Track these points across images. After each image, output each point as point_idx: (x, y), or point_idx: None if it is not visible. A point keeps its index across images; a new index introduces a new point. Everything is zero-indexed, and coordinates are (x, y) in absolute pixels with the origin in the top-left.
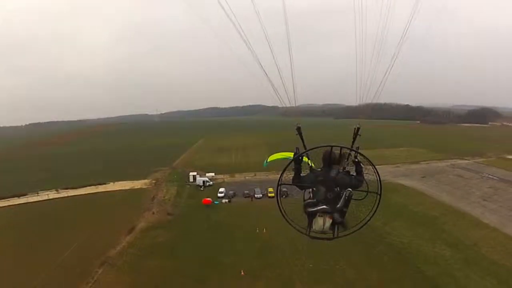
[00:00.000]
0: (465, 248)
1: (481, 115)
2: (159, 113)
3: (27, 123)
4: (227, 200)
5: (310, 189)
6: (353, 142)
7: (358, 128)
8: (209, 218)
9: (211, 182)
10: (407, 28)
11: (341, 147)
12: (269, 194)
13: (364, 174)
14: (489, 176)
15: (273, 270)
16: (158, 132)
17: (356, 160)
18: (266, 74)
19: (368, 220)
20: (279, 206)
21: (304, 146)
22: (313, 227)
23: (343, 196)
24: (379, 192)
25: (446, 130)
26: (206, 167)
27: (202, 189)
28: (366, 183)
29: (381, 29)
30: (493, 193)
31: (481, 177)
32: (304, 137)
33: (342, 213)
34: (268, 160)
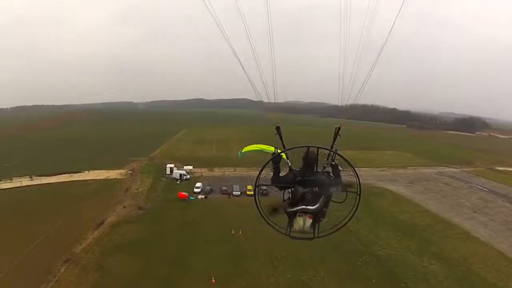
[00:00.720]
0: (456, 263)
1: (469, 124)
2: (144, 101)
3: (13, 106)
4: (203, 196)
5: (289, 189)
6: (333, 143)
7: (339, 128)
8: (183, 215)
9: (188, 176)
10: (390, 32)
11: (318, 148)
12: (248, 192)
13: (346, 175)
14: (479, 186)
15: (247, 279)
16: (141, 120)
17: (333, 163)
18: (243, 67)
19: (348, 221)
20: (257, 206)
21: (283, 145)
22: (293, 227)
23: (322, 197)
24: (358, 192)
25: (433, 136)
26: (185, 159)
27: (178, 182)
28: (344, 185)
29: (366, 32)
30: (483, 205)
31: (470, 187)
32: (283, 135)
33: (322, 213)
34: (242, 151)
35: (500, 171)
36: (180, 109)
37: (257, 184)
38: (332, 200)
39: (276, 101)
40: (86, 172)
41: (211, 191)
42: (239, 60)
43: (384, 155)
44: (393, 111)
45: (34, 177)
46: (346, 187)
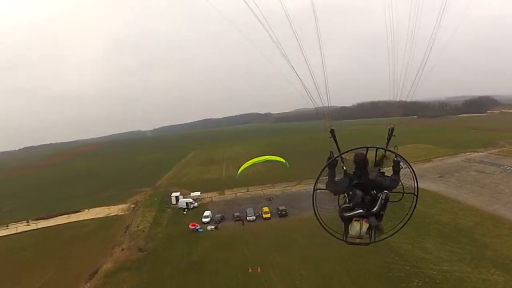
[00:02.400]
0: None
1: (479, 104)
2: (152, 128)
3: (21, 147)
4: (213, 227)
5: (345, 194)
6: (387, 143)
7: (393, 129)
8: (189, 253)
9: (196, 204)
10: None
11: (377, 148)
12: (264, 215)
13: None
14: None
15: None
16: (148, 148)
17: (395, 159)
18: (297, 75)
19: (406, 222)
20: (315, 213)
21: (339, 149)
22: (350, 233)
23: (380, 199)
24: (416, 193)
25: (446, 122)
26: (193, 184)
27: (185, 212)
28: (402, 184)
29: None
30: None
31: (504, 170)
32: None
33: (379, 216)
34: (239, 172)
35: None
36: (188, 131)
37: (315, 188)
38: (390, 201)
39: (329, 105)
40: (86, 211)
41: (222, 218)
42: (293, 68)
43: (404, 149)
44: (401, 103)
45: (31, 222)
46: (403, 187)
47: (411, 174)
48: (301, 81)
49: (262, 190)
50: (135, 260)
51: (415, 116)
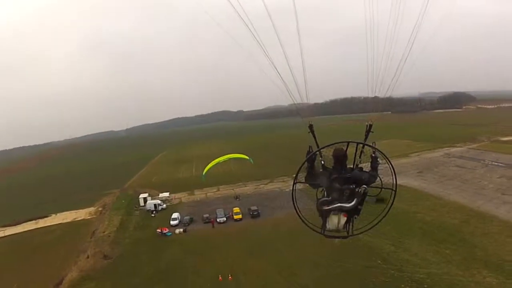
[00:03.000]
0: None
1: (454, 100)
2: (125, 128)
3: None
4: (181, 230)
5: (324, 188)
6: (365, 139)
7: (371, 125)
8: (156, 260)
9: (164, 205)
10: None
11: (357, 143)
12: (235, 216)
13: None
14: (494, 163)
15: None
16: (120, 148)
17: (373, 155)
18: (278, 71)
19: (383, 217)
20: (295, 207)
21: (317, 144)
22: (328, 226)
23: (358, 193)
24: (394, 188)
25: (422, 118)
26: (163, 185)
27: (153, 215)
28: (380, 179)
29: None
30: (508, 184)
31: (485, 165)
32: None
33: (357, 210)
34: (204, 173)
35: (506, 141)
36: (160, 130)
37: (295, 181)
38: (368, 195)
39: (308, 101)
40: (54, 215)
41: (191, 221)
42: (273, 65)
43: (380, 145)
44: (375, 100)
45: None
46: (382, 183)
47: (390, 170)
48: (280, 76)
49: (233, 189)
50: (100, 269)
51: (389, 112)
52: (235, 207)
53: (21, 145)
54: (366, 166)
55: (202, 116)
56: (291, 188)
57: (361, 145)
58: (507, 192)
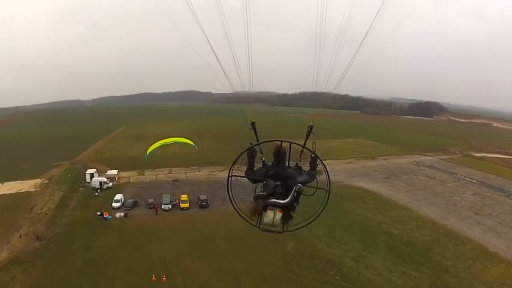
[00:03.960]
0: None
1: (426, 108)
2: (92, 98)
3: None
4: (122, 214)
5: (261, 183)
6: (306, 139)
7: (312, 127)
8: (89, 247)
9: (110, 184)
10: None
11: (291, 143)
12: (182, 205)
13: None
14: (466, 178)
15: None
16: (81, 118)
17: (313, 155)
18: (217, 56)
19: (317, 217)
20: (230, 199)
21: (258, 140)
22: (263, 220)
23: (293, 191)
24: (328, 189)
25: (391, 121)
26: (115, 161)
27: (97, 193)
28: (317, 179)
29: (321, 20)
30: (482, 203)
31: (457, 179)
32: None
33: (292, 207)
34: (147, 154)
35: (479, 158)
36: (127, 104)
37: (230, 174)
38: (302, 194)
39: (252, 90)
40: (0, 184)
41: (135, 204)
42: (212, 48)
43: (345, 144)
44: (345, 98)
45: None
46: (317, 182)
47: (324, 169)
48: (220, 64)
49: (185, 173)
50: (30, 251)
51: (358, 111)
52: (183, 193)
53: None
54: (306, 166)
55: (170, 93)
56: (226, 184)
57: (299, 145)
58: (480, 212)
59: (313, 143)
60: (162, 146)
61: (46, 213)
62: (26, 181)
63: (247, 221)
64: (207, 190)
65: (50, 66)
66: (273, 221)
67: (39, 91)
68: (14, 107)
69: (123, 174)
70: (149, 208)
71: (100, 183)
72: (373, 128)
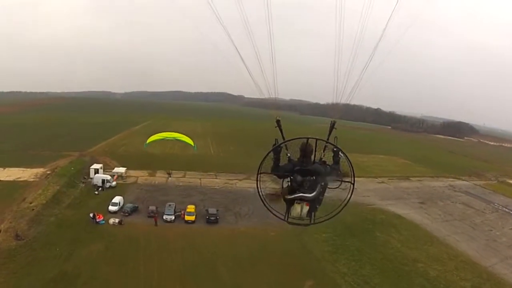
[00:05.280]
0: None
1: (457, 129)
2: (123, 91)
3: None
4: (117, 221)
5: (288, 178)
6: (329, 135)
7: (334, 122)
8: (69, 257)
9: (113, 183)
10: (383, 33)
11: (317, 139)
12: (187, 217)
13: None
14: (505, 209)
15: None
16: (109, 110)
17: (335, 149)
18: (244, 62)
19: (342, 208)
20: (259, 195)
21: (283, 137)
22: (291, 214)
23: (319, 185)
24: (352, 182)
25: (423, 139)
26: (127, 157)
27: (97, 192)
28: (341, 172)
29: (360, 32)
30: None
31: (496, 209)
32: (283, 130)
33: (318, 200)
34: (147, 142)
35: None
36: (157, 99)
37: (259, 172)
38: (328, 187)
39: (277, 97)
40: (1, 169)
41: (134, 210)
42: (240, 55)
43: (377, 160)
44: (377, 112)
45: None
46: (342, 175)
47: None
48: (248, 70)
49: (200, 179)
50: (5, 251)
51: (389, 127)
52: (190, 204)
53: (18, 90)
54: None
55: (202, 93)
56: (256, 181)
57: (323, 140)
58: None
59: (335, 137)
60: (163, 139)
61: (33, 209)
62: (28, 169)
63: (276, 216)
64: (220, 202)
65: (82, 55)
66: (301, 214)
67: (70, 80)
68: (42, 92)
69: (132, 172)
70: (149, 216)
71: (103, 180)
72: (404, 145)
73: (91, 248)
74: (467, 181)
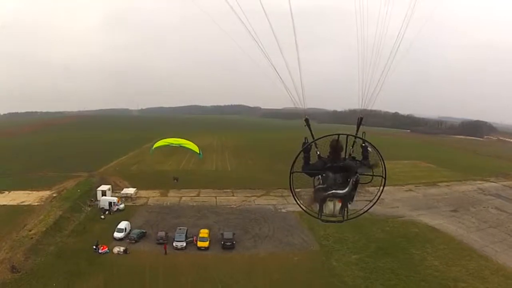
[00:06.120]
0: None
1: (476, 128)
2: (140, 108)
3: (6, 112)
4: (122, 250)
5: (320, 176)
6: (357, 130)
7: (362, 118)
8: None
9: (122, 205)
10: (401, 37)
11: (347, 135)
12: (199, 243)
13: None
14: None
15: None
16: (124, 127)
17: (364, 145)
18: (278, 74)
19: (374, 203)
20: (293, 195)
21: (312, 136)
22: (324, 211)
23: (351, 181)
24: (383, 175)
25: (443, 141)
26: (139, 176)
27: (103, 216)
28: (371, 167)
29: (378, 37)
30: None
31: None
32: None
33: (350, 196)
34: (153, 148)
35: None
36: (173, 115)
37: (292, 171)
38: (360, 183)
39: (304, 107)
40: (6, 193)
41: (142, 236)
42: (274, 67)
43: (401, 165)
44: (395, 116)
45: None
46: (372, 167)
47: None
48: (281, 79)
49: (216, 197)
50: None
51: (408, 130)
52: (203, 228)
53: (34, 110)
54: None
55: (218, 107)
56: (289, 181)
57: (353, 137)
58: None
59: (363, 133)
60: (168, 146)
61: (31, 237)
62: (34, 192)
63: (310, 214)
64: (237, 223)
65: (96, 73)
66: (334, 211)
67: (87, 98)
68: (59, 112)
69: (143, 193)
70: (158, 243)
71: (110, 203)
72: (426, 148)
73: (89, 283)
74: (495, 182)
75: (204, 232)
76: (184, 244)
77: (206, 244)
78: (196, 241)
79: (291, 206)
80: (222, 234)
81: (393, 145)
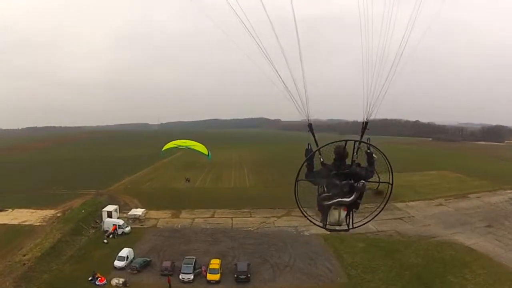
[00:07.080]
0: None
1: (496, 133)
2: (159, 122)
3: (24, 127)
4: (121, 282)
5: (324, 184)
6: (361, 135)
7: (366, 123)
8: None
9: (128, 228)
10: (406, 41)
11: (355, 141)
12: (209, 276)
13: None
14: None
15: None
16: (142, 142)
17: (368, 151)
18: (284, 84)
19: (381, 211)
20: (298, 205)
21: (316, 142)
22: (329, 220)
23: (357, 188)
24: (390, 182)
25: (466, 148)
26: (151, 194)
27: (106, 241)
28: (377, 174)
29: (384, 44)
30: None
31: None
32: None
33: (356, 204)
34: (163, 149)
35: None
36: (193, 129)
37: (297, 179)
38: (367, 189)
39: (309, 118)
40: (9, 211)
41: (146, 265)
42: (281, 78)
43: (428, 177)
44: (416, 124)
45: None
46: (379, 176)
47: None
48: (289, 92)
49: (232, 218)
50: None
51: (430, 138)
52: (217, 255)
53: (53, 125)
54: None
55: (238, 120)
56: (294, 190)
57: (357, 142)
58: None
59: (368, 138)
60: (176, 148)
61: (24, 263)
62: (38, 211)
63: (314, 223)
64: (254, 250)
65: (116, 90)
66: (339, 219)
67: (106, 114)
68: (78, 127)
69: (153, 213)
70: (163, 275)
71: (116, 226)
72: (449, 156)
73: None
74: None
75: (215, 263)
76: (192, 276)
77: (217, 277)
78: (206, 273)
79: (315, 228)
80: (236, 265)
81: (416, 155)
